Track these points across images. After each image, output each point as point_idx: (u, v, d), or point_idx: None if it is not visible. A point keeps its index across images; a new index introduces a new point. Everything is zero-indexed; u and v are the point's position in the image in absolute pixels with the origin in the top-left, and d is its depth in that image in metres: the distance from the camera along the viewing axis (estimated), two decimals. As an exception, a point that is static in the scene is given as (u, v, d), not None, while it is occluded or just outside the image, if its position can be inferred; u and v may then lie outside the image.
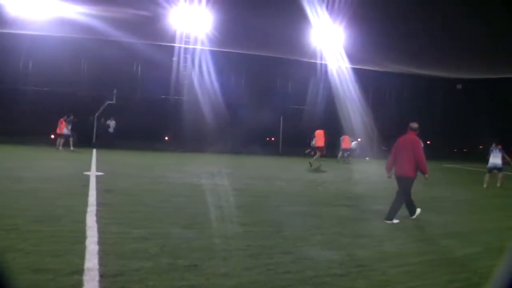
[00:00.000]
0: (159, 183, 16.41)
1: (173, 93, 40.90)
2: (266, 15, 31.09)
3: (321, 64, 42.63)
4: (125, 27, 30.83)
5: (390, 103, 51.99)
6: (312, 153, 30.19)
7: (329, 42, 39.44)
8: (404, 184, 11.58)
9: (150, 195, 13.36)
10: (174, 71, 40.08)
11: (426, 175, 11.55)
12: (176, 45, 38.10)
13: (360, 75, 41.85)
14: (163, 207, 11.51)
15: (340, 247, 8.39)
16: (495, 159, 22.81)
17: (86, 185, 14.15)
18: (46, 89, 36.87)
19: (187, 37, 37.65)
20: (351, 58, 38.82)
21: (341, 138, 36.79)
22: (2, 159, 22.60)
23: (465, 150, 50.90)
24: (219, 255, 7.38)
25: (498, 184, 22.52)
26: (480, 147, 48.93)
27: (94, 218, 9.40)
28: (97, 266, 6.25)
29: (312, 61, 41.69)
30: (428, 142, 47.80)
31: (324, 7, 34.29)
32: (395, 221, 11.34)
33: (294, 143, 41.17)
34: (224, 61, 39.83)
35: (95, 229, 8.43)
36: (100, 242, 7.52)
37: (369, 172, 27.81)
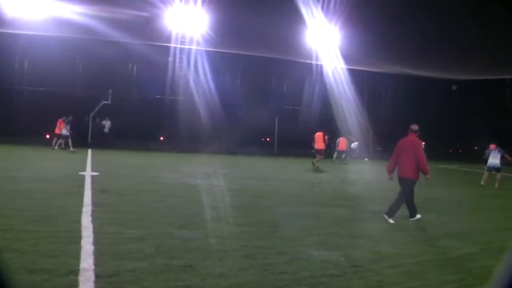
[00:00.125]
0: (154, 183, 16.40)
1: (168, 93, 40.89)
2: (261, 15, 31.04)
3: (316, 64, 42.64)
4: (120, 27, 30.77)
5: (386, 104, 52.13)
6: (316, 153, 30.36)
7: (325, 43, 39.43)
8: (407, 185, 11.71)
9: (146, 195, 13.35)
10: (169, 71, 40.06)
11: (427, 176, 11.67)
12: (172, 45, 38.06)
13: (356, 76, 41.88)
14: (159, 208, 11.51)
15: (336, 248, 8.39)
16: (494, 159, 23.03)
17: (82, 185, 14.12)
18: (41, 89, 36.81)
19: (183, 37, 37.62)
20: (347, 58, 38.83)
21: (338, 140, 36.92)
22: (-3, 159, 22.59)
23: (460, 151, 50.97)
24: (215, 256, 7.38)
25: (496, 185, 22.66)
26: (475, 148, 49.06)
27: (90, 218, 9.39)
28: (92, 267, 6.25)
29: (308, 61, 41.68)
30: (424, 143, 47.96)
31: (319, 8, 34.27)
32: (391, 221, 11.39)
33: (290, 144, 41.22)
34: (219, 61, 39.89)
35: (91, 229, 8.42)
36: (96, 243, 7.51)
37: (365, 173, 27.91)
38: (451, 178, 26.32)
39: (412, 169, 11.58)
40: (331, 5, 33.97)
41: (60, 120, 31.68)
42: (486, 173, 23.48)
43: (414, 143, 11.81)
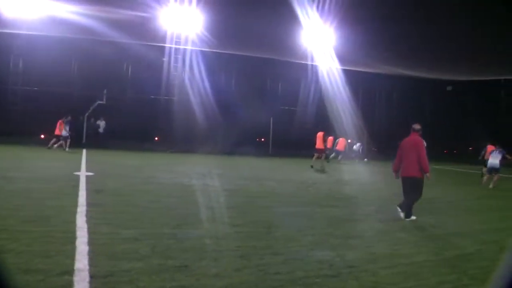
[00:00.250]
0: (149, 184, 16.39)
1: (163, 93, 40.90)
2: (256, 15, 31.06)
3: (311, 65, 42.68)
4: (115, 27, 30.73)
5: (380, 104, 52.23)
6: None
7: (320, 43, 39.47)
8: (415, 184, 11.97)
9: (141, 196, 13.34)
10: (164, 71, 40.07)
11: (428, 174, 11.90)
12: (167, 45, 38.07)
13: (351, 76, 41.94)
14: (154, 208, 11.49)
15: (331, 248, 8.40)
16: (495, 160, 23.25)
17: (76, 186, 14.10)
18: (36, 88, 36.77)
19: (178, 37, 37.62)
20: (342, 59, 38.87)
21: (337, 140, 37.07)
22: (-9, 159, 22.56)
23: (455, 151, 51.11)
24: (210, 256, 7.37)
25: (491, 186, 22.82)
26: (470, 148, 49.18)
27: (84, 218, 9.37)
28: (87, 267, 6.23)
29: (303, 62, 41.72)
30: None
31: (314, 8, 34.29)
32: (413, 217, 11.89)
33: (285, 144, 41.27)
34: (215, 61, 39.91)
35: (85, 230, 8.40)
36: (90, 243, 7.50)
37: (360, 173, 27.93)
38: (446, 179, 26.34)
39: (416, 168, 11.84)
40: (326, 6, 34.00)
41: (60, 121, 31.62)
42: (487, 175, 23.70)
43: (417, 142, 12.06)
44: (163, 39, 36.80)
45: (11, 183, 13.84)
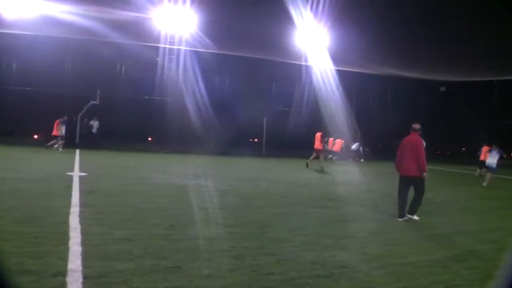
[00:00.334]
0: (142, 184, 16.36)
1: (157, 93, 40.84)
2: (251, 16, 31.09)
3: (305, 65, 42.71)
4: (109, 27, 30.70)
5: (374, 105, 52.32)
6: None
7: (314, 44, 39.49)
8: (416, 183, 12.20)
9: (134, 196, 13.32)
10: (158, 71, 40.03)
11: (425, 173, 12.08)
12: (161, 45, 38.03)
13: (344, 77, 41.99)
14: (147, 208, 11.49)
15: (324, 249, 8.43)
16: (493, 159, 23.78)
17: (69, 186, 14.08)
18: (29, 88, 36.69)
19: (172, 37, 37.58)
20: (336, 59, 38.91)
21: (334, 141, 37.15)
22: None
23: (448, 152, 51.26)
24: (203, 256, 7.39)
25: (484, 184, 23.05)
26: (463, 149, 49.34)
27: (77, 219, 9.36)
28: (80, 268, 6.24)
29: (297, 62, 41.73)
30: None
31: (308, 9, 34.33)
32: (415, 217, 12.11)
33: (278, 145, 41.26)
34: (208, 62, 39.82)
35: (78, 230, 8.40)
36: (84, 243, 7.50)
37: (353, 174, 27.94)
38: (440, 179, 26.38)
39: (416, 168, 12.03)
40: (320, 6, 34.04)
41: (57, 121, 31.57)
42: (488, 174, 24.06)
43: (416, 142, 12.28)
44: (157, 39, 36.77)
45: (3, 183, 13.78)
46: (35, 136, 35.01)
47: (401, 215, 12.09)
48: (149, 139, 41.85)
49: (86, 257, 6.77)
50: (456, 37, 32.35)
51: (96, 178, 16.96)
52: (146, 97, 40.68)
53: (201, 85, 40.87)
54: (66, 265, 6.31)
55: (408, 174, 12.18)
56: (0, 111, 35.25)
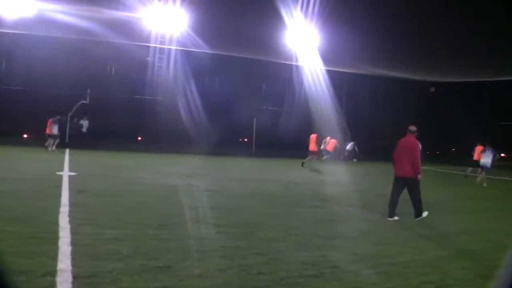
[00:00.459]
0: (132, 184, 16.33)
1: (147, 93, 40.76)
2: (241, 16, 31.09)
3: (296, 65, 42.71)
4: (100, 26, 30.62)
5: (364, 105, 52.43)
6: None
7: (304, 44, 39.49)
8: (411, 184, 12.36)
9: (124, 196, 13.32)
10: (149, 71, 39.96)
11: (419, 176, 12.27)
12: (152, 45, 37.93)
13: (335, 77, 42.04)
14: (137, 208, 11.47)
15: (314, 248, 8.43)
16: (487, 159, 24.24)
17: (59, 186, 14.03)
18: (19, 88, 36.53)
19: (162, 37, 37.50)
20: (326, 60, 38.93)
21: (329, 140, 37.24)
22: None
23: (437, 152, 51.42)
24: (193, 256, 7.38)
25: (477, 182, 23.46)
26: (453, 149, 49.51)
27: (67, 218, 9.33)
28: (70, 267, 6.21)
29: (287, 62, 41.74)
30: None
31: (299, 9, 34.32)
32: (424, 214, 12.38)
33: (268, 144, 41.30)
34: (199, 61, 39.76)
35: (68, 230, 8.37)
36: (73, 243, 7.46)
37: (344, 174, 27.98)
38: (431, 179, 26.47)
39: (411, 169, 12.20)
40: (311, 6, 34.04)
41: (49, 120, 31.52)
42: (483, 174, 24.30)
43: (412, 144, 12.46)
44: (147, 39, 36.67)
45: (-7, 183, 13.75)
46: (25, 136, 34.88)
47: (391, 215, 12.16)
48: (139, 138, 41.78)
49: (75, 257, 6.74)
50: (447, 38, 32.46)
51: (86, 178, 16.93)
52: (137, 96, 40.58)
53: (192, 85, 40.86)
54: (55, 265, 6.28)
55: (403, 175, 12.32)
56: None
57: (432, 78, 44.44)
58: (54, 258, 6.59)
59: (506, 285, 1.90)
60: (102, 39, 32.85)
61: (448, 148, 53.65)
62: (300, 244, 8.75)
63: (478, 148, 27.14)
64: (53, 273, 5.92)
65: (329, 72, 41.53)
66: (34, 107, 34.02)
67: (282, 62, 41.44)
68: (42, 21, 30.63)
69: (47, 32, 32.79)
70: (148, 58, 39.32)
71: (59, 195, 12.20)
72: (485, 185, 23.89)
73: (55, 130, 31.58)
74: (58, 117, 32.25)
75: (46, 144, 31.28)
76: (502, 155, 26.04)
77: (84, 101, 35.86)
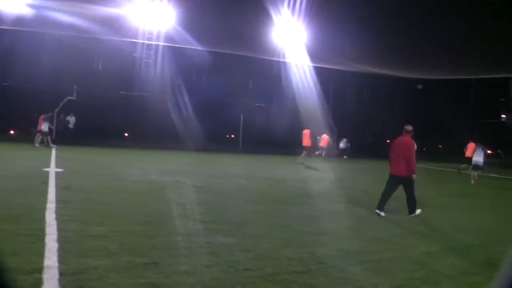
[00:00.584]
0: (119, 180, 16.32)
1: (134, 89, 40.66)
2: (229, 12, 31.07)
3: (283, 62, 42.70)
4: (86, 22, 30.47)
5: (351, 102, 52.57)
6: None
7: (292, 40, 39.47)
8: (405, 183, 12.58)
9: (110, 192, 13.28)
10: (136, 67, 39.84)
11: (414, 175, 12.50)
12: (139, 41, 37.79)
13: (322, 74, 42.13)
14: (123, 205, 11.45)
15: (300, 245, 8.45)
16: (478, 157, 24.73)
17: (46, 182, 13.97)
18: (5, 84, 36.33)
19: (150, 33, 37.35)
20: (313, 56, 38.95)
21: (321, 137, 37.37)
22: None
23: (424, 149, 51.61)
24: (180, 253, 7.38)
25: (472, 182, 23.79)
26: (439, 146, 49.72)
27: (54, 215, 9.29)
28: (56, 264, 6.19)
29: (275, 59, 41.72)
30: (388, 141, 48.48)
31: (286, 5, 34.27)
32: (418, 212, 12.56)
33: (255, 141, 41.33)
34: (186, 58, 39.71)
35: (55, 227, 8.34)
36: (60, 240, 7.44)
37: (330, 170, 28.07)
38: (421, 176, 26.67)
39: (406, 168, 12.40)
40: (298, 3, 34.02)
41: (41, 116, 31.46)
42: (473, 172, 25.03)
43: (407, 143, 12.65)
44: (134, 35, 36.51)
45: (-22, 180, 13.69)
46: (12, 132, 34.71)
47: (379, 208, 12.40)
48: (126, 135, 41.69)
49: (62, 253, 6.72)
50: (434, 36, 32.55)
51: (72, 174, 16.88)
52: (123, 92, 40.45)
53: (179, 81, 40.80)
54: (42, 261, 6.26)
55: (398, 174, 12.55)
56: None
57: (419, 75, 44.58)
58: (40, 255, 6.57)
59: (506, 285, 1.91)
60: (89, 35, 32.71)
61: (435, 145, 53.88)
62: (287, 240, 8.77)
63: (471, 145, 27.38)
64: (39, 270, 5.91)
65: (316, 69, 41.61)
66: (21, 103, 33.84)
67: (270, 58, 41.43)
68: (27, 17, 30.45)
69: (33, 28, 32.60)
70: (135, 54, 39.18)
71: (45, 192, 12.14)
72: (472, 181, 24.13)
73: (45, 127, 31.50)
74: (50, 114, 32.23)
75: (37, 143, 31.20)
76: (488, 151, 26.18)
77: (70, 97, 35.71)
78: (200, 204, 12.31)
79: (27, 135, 32.20)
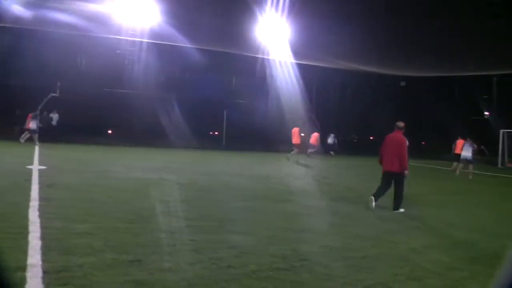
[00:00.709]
0: (103, 178, 16.27)
1: (118, 86, 40.50)
2: (212, 9, 31.04)
3: (266, 59, 42.68)
4: (70, 17, 30.28)
5: (335, 98, 52.65)
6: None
7: (275, 37, 39.44)
8: (396, 179, 12.77)
9: (94, 190, 13.25)
10: (120, 64, 39.69)
11: (406, 172, 12.70)
12: (122, 37, 37.60)
13: (305, 71, 42.21)
14: (107, 202, 11.43)
15: (284, 242, 8.48)
16: (467, 152, 25.53)
17: (29, 180, 13.91)
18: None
19: (133, 29, 37.17)
20: (297, 53, 38.97)
21: (312, 134, 37.49)
22: None
23: (423, 143, 51.84)
24: (164, 250, 7.40)
25: (470, 177, 24.56)
26: (422, 143, 49.95)
27: (37, 213, 9.26)
28: (40, 262, 6.19)
29: (258, 56, 41.70)
30: (372, 138, 48.69)
31: (269, 2, 34.24)
32: (402, 210, 12.62)
33: (239, 138, 41.34)
34: (170, 55, 39.61)
35: (38, 224, 8.32)
36: (43, 238, 7.43)
37: (315, 167, 28.15)
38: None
39: (397, 164, 12.60)
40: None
41: (30, 114, 31.37)
42: (460, 165, 26.12)
43: (399, 140, 12.85)
44: (118, 31, 36.33)
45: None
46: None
47: (375, 198, 12.87)
48: (109, 132, 41.56)
49: (46, 251, 6.72)
50: (418, 33, 32.65)
51: (56, 172, 16.82)
52: (107, 89, 40.26)
53: (163, 78, 40.73)
54: (25, 259, 6.25)
55: (390, 170, 12.76)
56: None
57: (403, 72, 44.76)
58: (24, 253, 6.55)
59: (506, 285, 1.93)
60: (73, 31, 32.54)
61: (418, 142, 54.09)
62: (270, 237, 8.80)
63: (459, 142, 27.71)
64: (23, 268, 5.90)
65: (299, 66, 41.68)
66: (3, 100, 33.61)
67: (253, 55, 41.39)
68: (11, 12, 30.22)
69: (15, 24, 32.36)
70: (119, 51, 39.02)
71: (28, 189, 12.10)
72: (470, 177, 24.78)
73: (34, 124, 31.39)
74: (38, 112, 32.12)
75: (22, 139, 31.08)
76: (475, 147, 26.63)
77: (54, 94, 35.50)
78: (184, 201, 12.32)
79: (10, 132, 31.96)
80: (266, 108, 43.98)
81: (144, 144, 35.77)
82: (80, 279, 5.73)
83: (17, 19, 30.97)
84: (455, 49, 33.92)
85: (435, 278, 6.94)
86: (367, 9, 30.78)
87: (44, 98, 35.81)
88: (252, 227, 9.61)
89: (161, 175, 18.10)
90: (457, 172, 26.12)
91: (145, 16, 35.60)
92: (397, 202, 12.66)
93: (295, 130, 31.04)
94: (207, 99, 40.21)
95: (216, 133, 45.44)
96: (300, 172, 24.96)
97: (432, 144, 47.85)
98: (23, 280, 5.50)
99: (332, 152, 40.94)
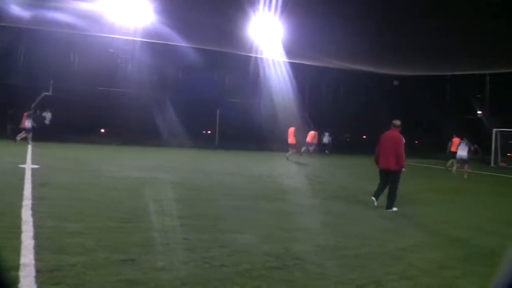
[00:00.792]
0: (96, 177, 16.24)
1: (111, 85, 40.40)
2: (205, 7, 30.99)
3: (259, 58, 42.66)
4: (63, 16, 30.20)
5: (328, 97, 52.66)
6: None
7: (268, 36, 39.40)
8: (392, 177, 12.86)
9: (87, 189, 13.22)
10: (113, 63, 39.60)
11: (404, 169, 12.81)
12: (115, 36, 37.52)
13: (298, 70, 42.25)
14: (100, 201, 11.41)
15: (277, 241, 8.48)
16: (462, 151, 25.60)
17: (22, 179, 13.87)
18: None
19: (126, 28, 37.09)
20: (290, 52, 38.95)
21: (308, 133, 37.52)
22: None
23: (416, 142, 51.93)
24: (157, 249, 7.40)
25: (465, 176, 24.60)
26: (416, 142, 49.99)
27: (30, 212, 9.24)
28: (33, 262, 6.18)
29: (251, 55, 41.67)
30: (364, 137, 48.74)
31: (262, 1, 34.21)
32: (395, 209, 12.67)
33: (231, 137, 41.33)
34: (163, 53, 39.55)
35: (31, 224, 8.30)
36: (36, 237, 7.41)
37: (308, 166, 28.16)
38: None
39: (393, 162, 12.70)
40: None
41: (25, 114, 31.32)
42: (457, 164, 26.27)
43: (396, 137, 12.97)
44: (111, 30, 36.23)
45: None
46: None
47: (375, 196, 13.09)
48: (102, 131, 41.46)
49: (39, 250, 6.71)
50: (411, 32, 32.69)
51: (49, 171, 16.79)
52: (100, 88, 40.16)
53: (156, 77, 40.69)
54: (18, 259, 6.23)
55: (386, 168, 12.88)
56: None
57: (396, 72, 44.82)
58: (17, 252, 6.54)
59: (506, 285, 1.93)
60: (66, 30, 32.46)
61: (412, 141, 54.14)
62: (263, 236, 8.82)
63: (455, 140, 27.85)
64: (16, 267, 5.88)
65: (292, 65, 41.71)
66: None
67: (246, 54, 41.37)
68: (3, 11, 30.12)
69: (9, 23, 32.27)
70: (112, 50, 38.92)
71: (21, 188, 12.07)
72: (465, 176, 24.85)
73: (29, 123, 31.34)
74: (32, 111, 32.10)
75: (19, 137, 31.03)
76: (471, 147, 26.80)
77: (47, 93, 35.43)
78: (178, 200, 12.32)
79: (3, 131, 31.88)
80: (259, 107, 43.91)
81: (137, 143, 35.74)
82: (73, 278, 5.73)
83: (10, 18, 30.89)
84: (448, 48, 33.97)
85: (428, 277, 6.96)
86: (360, 8, 30.79)
87: (37, 97, 35.72)
88: (245, 226, 9.63)
89: (154, 174, 18.09)
90: (454, 170, 26.25)
91: (139, 14, 35.53)
92: (391, 200, 12.72)
93: (291, 130, 31.15)
94: (200, 98, 40.17)
95: (209, 132, 45.39)
96: (294, 171, 25.00)
97: (426, 143, 47.92)
98: (16, 280, 5.49)
99: (327, 151, 41.01)
